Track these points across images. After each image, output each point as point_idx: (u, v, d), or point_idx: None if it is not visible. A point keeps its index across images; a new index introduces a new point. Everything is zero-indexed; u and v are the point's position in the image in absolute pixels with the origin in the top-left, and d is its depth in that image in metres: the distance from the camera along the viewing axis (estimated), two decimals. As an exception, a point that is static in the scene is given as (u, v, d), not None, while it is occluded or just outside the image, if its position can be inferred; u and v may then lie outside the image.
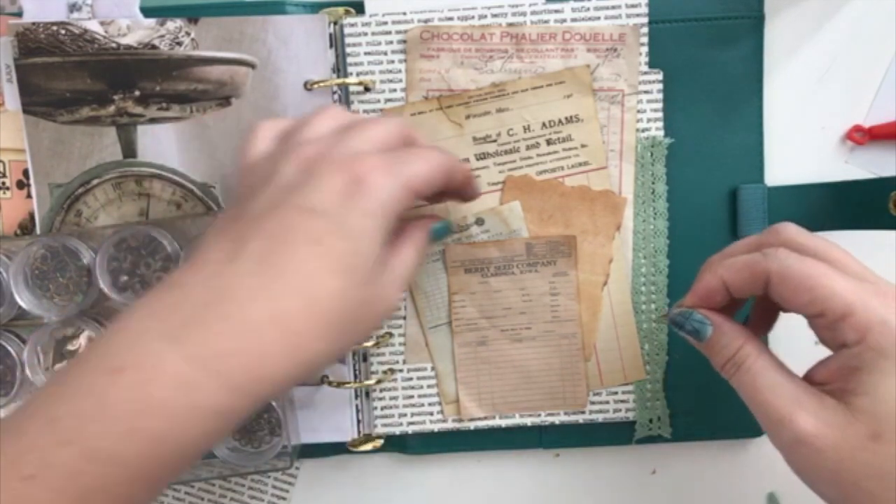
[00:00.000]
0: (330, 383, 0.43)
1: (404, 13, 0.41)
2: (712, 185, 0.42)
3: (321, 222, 0.30)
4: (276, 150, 0.33)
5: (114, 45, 0.41)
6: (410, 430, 0.44)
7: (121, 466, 0.27)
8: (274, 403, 0.42)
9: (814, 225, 0.36)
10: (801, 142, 0.43)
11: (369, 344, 0.43)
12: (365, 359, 0.44)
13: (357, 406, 0.44)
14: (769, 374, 0.31)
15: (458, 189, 0.36)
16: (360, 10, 0.42)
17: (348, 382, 0.43)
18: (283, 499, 0.45)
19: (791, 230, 0.33)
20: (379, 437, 0.44)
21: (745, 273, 0.32)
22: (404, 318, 0.43)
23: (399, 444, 0.44)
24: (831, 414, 0.29)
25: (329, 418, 0.44)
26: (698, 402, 0.43)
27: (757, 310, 0.36)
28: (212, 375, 0.28)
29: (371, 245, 0.30)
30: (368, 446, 0.44)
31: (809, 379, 0.31)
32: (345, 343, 0.32)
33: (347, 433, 0.44)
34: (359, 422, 0.44)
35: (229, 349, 0.28)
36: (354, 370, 0.43)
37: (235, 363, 0.28)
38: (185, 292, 0.29)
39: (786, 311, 0.33)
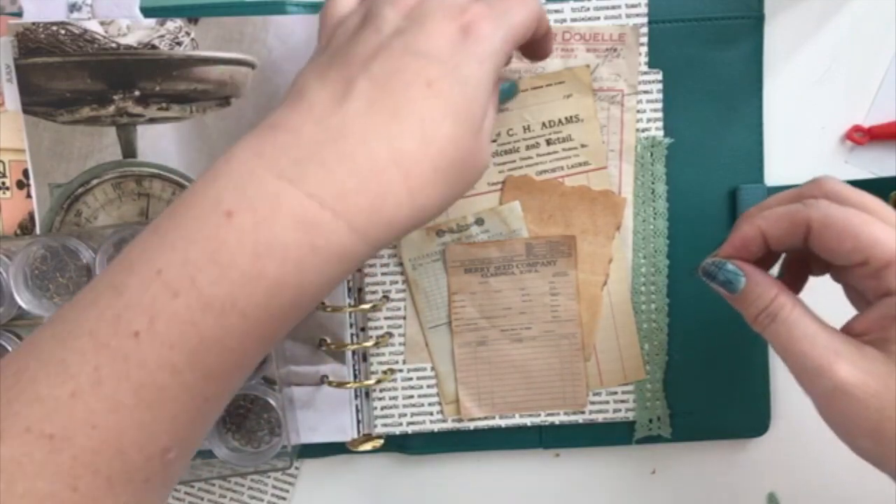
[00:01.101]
0: (330, 383, 0.43)
1: (404, 13, 0.41)
2: (712, 185, 0.42)
3: (434, 67, 0.28)
4: (365, 5, 0.32)
5: (114, 45, 0.41)
6: (410, 430, 0.44)
7: (236, 316, 0.26)
8: (274, 403, 0.42)
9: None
10: (800, 142, 0.43)
11: (369, 344, 0.43)
12: (365, 359, 0.44)
13: (357, 406, 0.44)
14: (805, 323, 0.30)
15: (540, 40, 0.34)
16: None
17: (348, 382, 0.43)
18: (283, 499, 0.45)
19: (832, 182, 0.32)
20: (379, 437, 0.44)
21: (784, 222, 0.31)
22: (404, 318, 0.43)
23: (399, 444, 0.44)
24: (872, 363, 0.29)
25: (329, 418, 0.44)
26: (698, 402, 0.43)
27: (786, 273, 0.35)
28: (334, 215, 0.27)
29: (483, 93, 0.29)
30: (368, 446, 0.44)
31: (848, 331, 0.31)
32: (454, 194, 0.30)
33: (347, 433, 0.44)
34: (359, 422, 0.44)
35: (350, 188, 0.27)
36: (354, 370, 0.43)
37: (357, 203, 0.27)
38: (294, 133, 0.28)
39: (817, 273, 0.33)
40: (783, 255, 0.35)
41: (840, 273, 0.32)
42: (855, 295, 0.33)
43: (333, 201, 0.27)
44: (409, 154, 0.28)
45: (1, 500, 0.24)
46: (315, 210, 0.27)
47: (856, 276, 0.30)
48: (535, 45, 0.35)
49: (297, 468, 0.45)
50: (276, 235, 0.26)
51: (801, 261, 0.35)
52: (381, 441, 0.44)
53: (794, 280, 0.35)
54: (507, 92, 0.39)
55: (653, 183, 0.42)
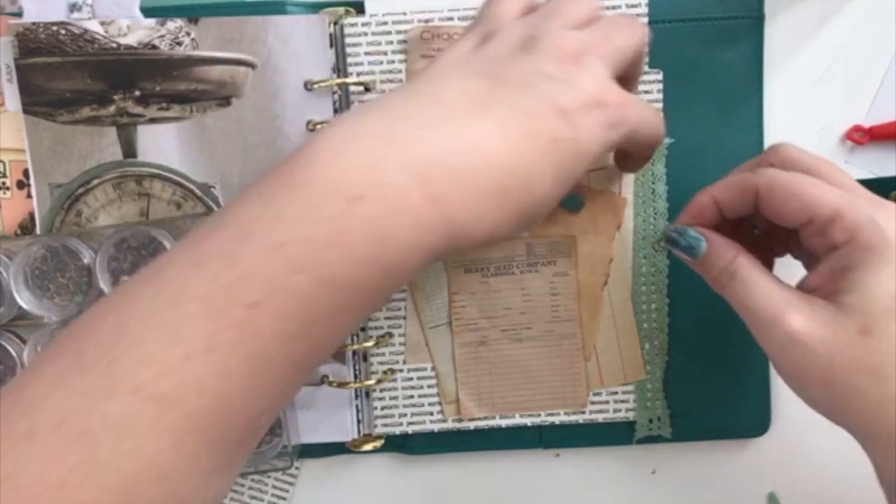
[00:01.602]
0: (330, 383, 0.43)
1: (404, 13, 0.41)
2: (712, 185, 0.42)
3: (563, 127, 0.29)
4: (532, 24, 0.32)
5: (114, 45, 0.41)
6: (410, 429, 0.44)
7: (352, 294, 0.27)
8: (274, 403, 0.42)
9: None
10: (801, 142, 0.43)
11: (369, 344, 0.43)
12: (365, 359, 0.44)
13: (357, 406, 0.44)
14: (762, 280, 0.32)
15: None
16: (360, 10, 0.42)
17: (348, 382, 0.43)
18: (283, 499, 0.45)
19: (787, 148, 0.34)
20: (379, 437, 0.44)
21: (735, 189, 0.33)
22: (404, 317, 0.43)
23: (399, 444, 0.44)
24: (821, 312, 0.30)
25: (329, 418, 0.44)
26: (698, 403, 0.43)
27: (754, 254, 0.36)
28: (443, 221, 0.28)
29: (587, 166, 0.30)
30: (368, 446, 0.44)
31: (801, 289, 0.32)
32: (512, 231, 0.31)
33: (347, 433, 0.44)
34: (359, 422, 0.44)
35: (462, 200, 0.28)
36: (355, 370, 0.43)
37: (462, 220, 0.28)
38: (428, 130, 0.28)
39: (780, 253, 0.34)
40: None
41: (794, 243, 0.34)
42: (812, 264, 0.34)
43: (447, 209, 0.28)
44: (509, 189, 0.29)
45: (108, 457, 0.24)
46: (433, 214, 0.27)
47: (805, 237, 0.32)
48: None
49: (297, 468, 0.45)
50: (397, 227, 0.27)
51: (766, 248, 0.36)
52: (382, 441, 0.44)
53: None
54: (571, 202, 0.40)
55: (653, 183, 0.42)
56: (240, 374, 0.26)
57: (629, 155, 0.37)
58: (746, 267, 0.32)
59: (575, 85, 0.30)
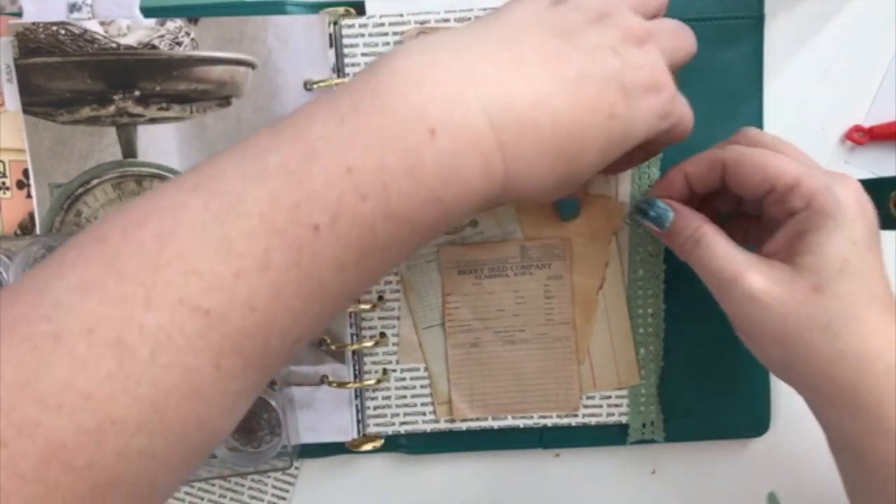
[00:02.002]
0: (330, 383, 0.43)
1: (401, 14, 0.41)
2: (712, 185, 0.42)
3: (622, 104, 0.29)
4: (605, 1, 0.32)
5: (114, 45, 0.41)
6: (403, 430, 0.44)
7: (408, 230, 0.27)
8: (274, 403, 0.42)
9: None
10: (801, 142, 0.43)
11: (369, 344, 0.43)
12: (361, 359, 0.44)
13: (357, 406, 0.44)
14: (723, 245, 0.34)
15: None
16: (360, 10, 0.42)
17: (348, 382, 0.43)
18: (283, 499, 0.45)
19: (753, 131, 0.36)
20: (379, 437, 0.44)
21: (703, 164, 0.35)
22: (398, 318, 0.43)
23: (399, 445, 0.44)
24: (778, 272, 0.32)
25: (329, 418, 0.44)
26: (698, 402, 0.43)
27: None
28: (504, 171, 0.28)
29: (629, 147, 0.31)
30: (368, 446, 0.44)
31: (762, 254, 0.34)
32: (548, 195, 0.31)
33: (347, 433, 0.44)
34: (359, 422, 0.44)
35: (525, 153, 0.28)
36: (354, 370, 0.43)
37: (519, 173, 0.28)
38: (507, 81, 0.28)
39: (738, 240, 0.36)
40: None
41: (753, 230, 0.37)
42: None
43: (510, 160, 0.28)
44: (565, 152, 0.29)
45: (143, 369, 0.23)
46: (497, 160, 0.28)
47: (767, 206, 0.34)
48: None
49: (297, 468, 0.45)
50: (465, 167, 0.27)
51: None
52: (381, 441, 0.44)
53: None
54: (568, 207, 0.41)
55: (649, 186, 0.42)
56: (289, 297, 0.25)
57: (630, 152, 0.37)
58: (710, 234, 0.34)
59: (638, 66, 0.30)
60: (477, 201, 0.28)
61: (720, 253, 0.33)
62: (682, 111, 0.33)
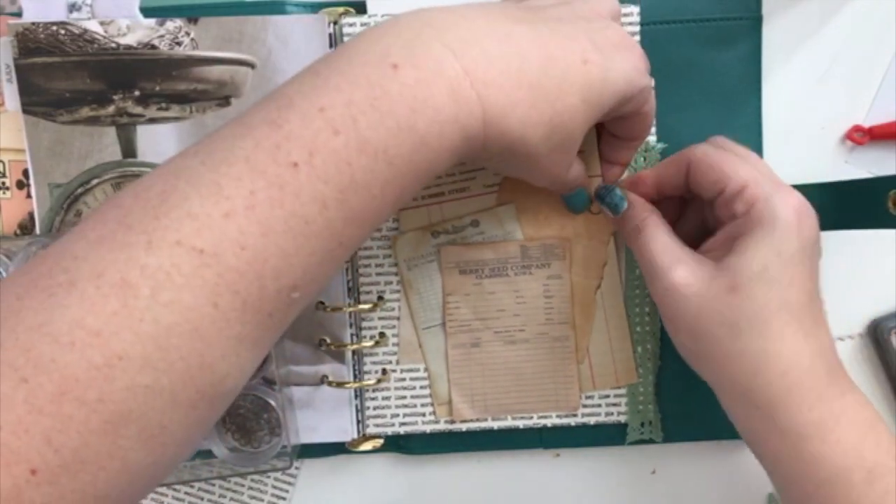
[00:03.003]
0: (330, 383, 0.43)
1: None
2: (712, 185, 0.42)
3: (593, 54, 0.31)
4: None
5: (113, 45, 0.41)
6: (402, 430, 0.44)
7: (385, 163, 0.28)
8: (274, 403, 0.42)
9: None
10: (800, 142, 0.43)
11: (369, 344, 0.43)
12: (361, 359, 0.44)
13: (357, 406, 0.44)
14: (663, 237, 0.36)
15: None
16: (361, 9, 0.42)
17: (348, 382, 0.43)
18: (283, 499, 0.45)
19: (720, 139, 0.38)
20: (378, 437, 0.44)
21: (671, 163, 0.38)
22: (398, 318, 0.43)
23: (399, 445, 0.45)
24: (703, 269, 0.34)
25: (329, 418, 0.44)
26: (698, 403, 0.43)
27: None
28: (478, 98, 0.29)
29: (613, 100, 0.32)
30: (368, 446, 0.44)
31: (700, 251, 0.36)
32: (546, 150, 0.32)
33: (347, 433, 0.44)
34: (359, 422, 0.44)
35: (497, 83, 0.29)
36: (354, 370, 0.43)
37: (497, 100, 0.29)
38: (466, 18, 0.30)
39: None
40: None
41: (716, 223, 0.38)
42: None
43: (481, 86, 0.29)
44: (542, 87, 0.30)
45: (145, 306, 0.25)
46: (467, 86, 0.29)
47: (718, 207, 0.35)
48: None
49: (297, 468, 0.45)
50: (432, 95, 0.28)
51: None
52: (381, 441, 0.44)
53: None
54: (577, 200, 0.41)
55: (646, 188, 0.42)
56: (277, 234, 0.26)
57: (617, 139, 0.39)
58: (653, 225, 0.36)
59: (604, 27, 0.32)
60: (458, 134, 0.29)
61: (656, 244, 0.36)
62: (650, 82, 0.35)
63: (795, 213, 0.33)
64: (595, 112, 0.32)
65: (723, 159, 0.35)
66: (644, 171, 0.39)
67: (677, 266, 0.35)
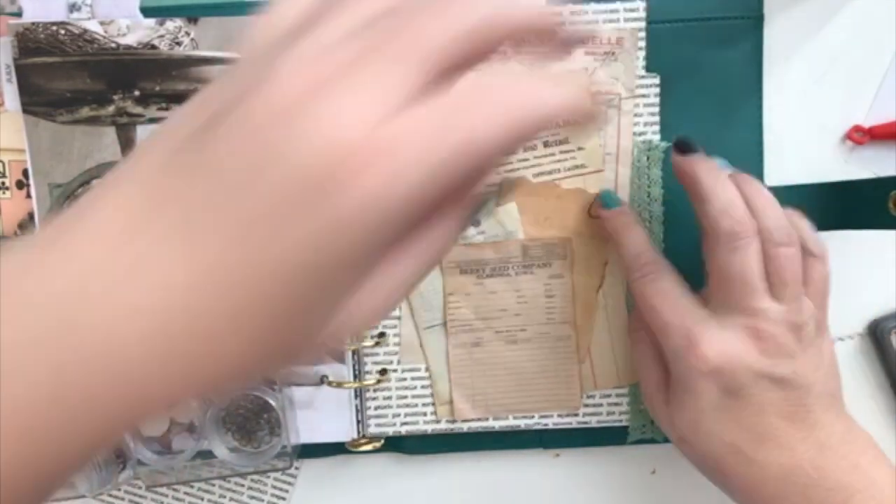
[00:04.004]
0: (330, 383, 0.43)
1: (403, 13, 0.41)
2: (712, 185, 0.42)
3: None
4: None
5: (113, 45, 0.41)
6: (404, 430, 0.44)
7: None
8: (274, 403, 0.42)
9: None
10: (800, 142, 0.43)
11: (369, 344, 0.43)
12: (361, 359, 0.44)
13: (357, 406, 0.44)
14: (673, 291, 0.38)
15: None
16: (359, 10, 0.41)
17: (348, 382, 0.43)
18: (283, 499, 0.45)
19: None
20: (378, 437, 0.44)
21: (686, 177, 0.37)
22: (399, 318, 0.43)
23: (399, 445, 0.45)
24: (666, 415, 0.39)
25: (329, 418, 0.44)
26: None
27: None
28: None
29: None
30: (368, 446, 0.44)
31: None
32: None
33: (347, 433, 0.44)
34: (359, 422, 0.44)
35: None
36: (354, 370, 0.43)
37: None
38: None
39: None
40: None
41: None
42: None
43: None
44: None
45: None
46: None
47: (699, 215, 0.37)
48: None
49: (296, 468, 0.45)
50: None
51: None
52: (381, 441, 0.44)
53: None
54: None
55: (649, 187, 0.42)
56: None
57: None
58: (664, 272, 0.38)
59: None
60: None
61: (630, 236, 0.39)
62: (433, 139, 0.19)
63: (710, 368, 0.35)
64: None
65: (703, 168, 0.36)
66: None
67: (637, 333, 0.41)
